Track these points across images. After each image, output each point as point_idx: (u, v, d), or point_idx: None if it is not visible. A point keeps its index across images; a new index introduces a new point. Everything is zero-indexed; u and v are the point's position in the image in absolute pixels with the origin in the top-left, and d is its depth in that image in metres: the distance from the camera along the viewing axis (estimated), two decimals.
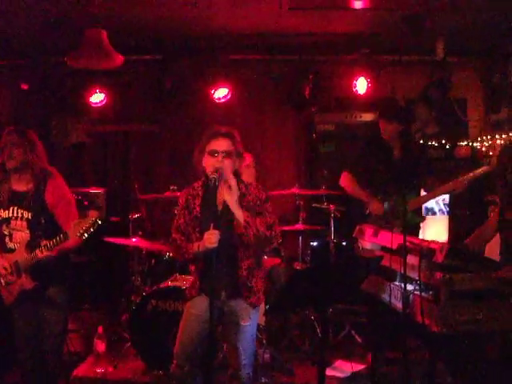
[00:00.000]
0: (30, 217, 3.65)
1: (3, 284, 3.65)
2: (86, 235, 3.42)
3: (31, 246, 3.57)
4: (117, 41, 5.41)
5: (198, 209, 3.42)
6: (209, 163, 3.36)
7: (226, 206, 3.36)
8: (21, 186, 3.71)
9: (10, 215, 3.66)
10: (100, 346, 5.14)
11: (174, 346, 3.54)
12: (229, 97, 6.44)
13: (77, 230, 3.41)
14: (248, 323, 3.43)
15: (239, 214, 3.27)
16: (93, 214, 3.48)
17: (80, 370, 4.82)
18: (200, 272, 3.46)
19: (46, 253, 3.49)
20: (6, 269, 3.60)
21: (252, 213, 3.34)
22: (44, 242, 3.51)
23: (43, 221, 3.66)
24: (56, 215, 3.69)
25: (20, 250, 3.59)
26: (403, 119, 5.01)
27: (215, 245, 3.16)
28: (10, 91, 6.69)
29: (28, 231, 3.64)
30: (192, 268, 3.55)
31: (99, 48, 5.36)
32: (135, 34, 5.97)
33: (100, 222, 3.45)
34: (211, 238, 3.17)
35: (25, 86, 6.48)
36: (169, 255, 5.22)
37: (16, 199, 3.68)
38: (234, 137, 3.43)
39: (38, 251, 3.50)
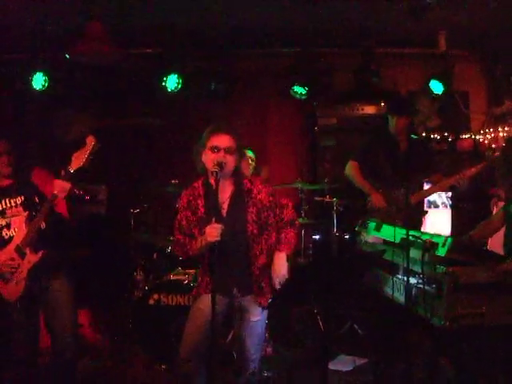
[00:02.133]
0: (23, 200, 3.72)
1: (8, 278, 3.64)
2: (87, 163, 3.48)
3: (31, 220, 3.62)
4: (117, 34, 5.39)
5: (202, 210, 3.37)
6: (210, 159, 3.31)
7: (232, 202, 3.36)
8: (6, 181, 3.78)
9: (4, 206, 3.72)
10: (102, 341, 5.14)
11: (176, 340, 3.54)
12: (230, 91, 6.41)
13: (79, 161, 3.47)
14: (258, 318, 3.44)
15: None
16: (90, 140, 3.51)
17: (82, 365, 4.82)
18: (209, 270, 3.40)
19: (61, 182, 3.49)
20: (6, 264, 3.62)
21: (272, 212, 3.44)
22: (62, 173, 3.55)
23: (37, 200, 3.71)
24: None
25: (19, 232, 3.63)
26: (412, 113, 5.03)
27: (217, 238, 3.13)
28: (10, 85, 6.66)
29: (25, 213, 3.68)
30: (200, 267, 3.51)
31: (100, 42, 5.33)
32: (136, 28, 5.94)
33: (99, 146, 3.47)
34: (213, 231, 3.14)
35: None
36: (171, 249, 5.21)
37: (5, 193, 3.74)
38: (235, 133, 3.40)
39: (54, 182, 3.51)
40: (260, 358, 3.57)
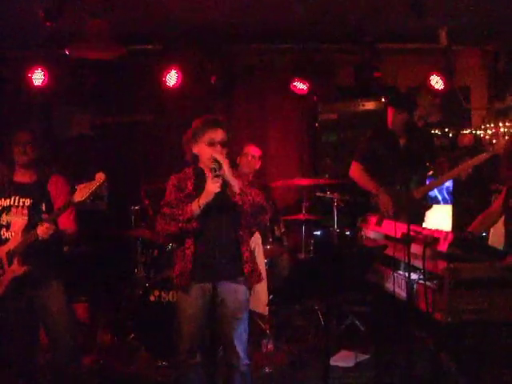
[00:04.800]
0: (30, 203, 3.69)
1: None
2: (91, 198, 3.49)
3: (28, 230, 3.58)
4: (117, 31, 5.37)
5: (190, 188, 3.45)
6: (206, 152, 3.38)
7: (220, 193, 3.31)
8: (25, 178, 3.78)
9: (11, 203, 3.69)
10: (104, 338, 5.15)
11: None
12: (230, 86, 6.40)
13: (82, 194, 3.46)
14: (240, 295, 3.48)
15: (234, 181, 3.30)
16: (99, 177, 3.54)
17: (84, 362, 4.82)
18: (193, 256, 3.40)
19: (46, 225, 3.47)
20: None
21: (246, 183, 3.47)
22: (45, 216, 3.57)
23: (44, 208, 3.70)
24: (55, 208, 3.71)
25: (16, 237, 3.60)
26: (411, 109, 4.99)
27: (219, 189, 3.20)
28: (12, 82, 6.65)
29: (27, 218, 3.65)
30: (180, 253, 3.47)
31: (100, 38, 5.32)
32: (136, 24, 5.92)
33: (107, 184, 3.51)
34: (216, 183, 3.19)
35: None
36: (172, 246, 5.19)
37: (19, 189, 3.73)
38: (227, 126, 3.49)
39: (39, 226, 3.49)
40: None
